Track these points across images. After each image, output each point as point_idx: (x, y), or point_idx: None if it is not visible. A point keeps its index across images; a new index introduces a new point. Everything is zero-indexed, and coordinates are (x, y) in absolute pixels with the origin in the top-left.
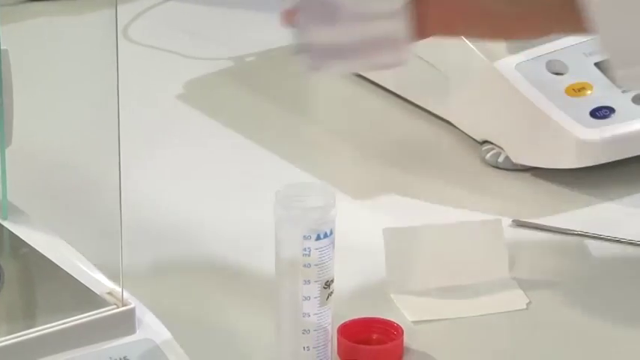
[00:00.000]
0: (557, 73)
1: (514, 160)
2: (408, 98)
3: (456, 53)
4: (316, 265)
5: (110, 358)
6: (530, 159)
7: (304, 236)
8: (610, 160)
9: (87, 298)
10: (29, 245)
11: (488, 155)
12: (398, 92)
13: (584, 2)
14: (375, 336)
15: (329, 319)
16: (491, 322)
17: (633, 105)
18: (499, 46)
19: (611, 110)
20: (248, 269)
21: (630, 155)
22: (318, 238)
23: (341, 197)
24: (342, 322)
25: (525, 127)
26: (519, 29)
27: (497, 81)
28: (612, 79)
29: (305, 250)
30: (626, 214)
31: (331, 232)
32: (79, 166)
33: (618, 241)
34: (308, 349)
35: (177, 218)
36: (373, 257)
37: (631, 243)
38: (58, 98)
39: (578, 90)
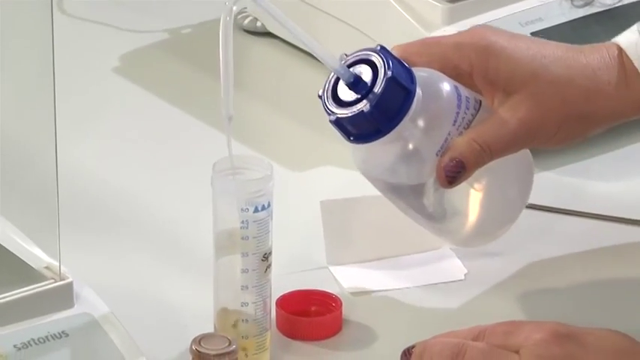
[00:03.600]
0: None
1: None
2: None
3: (393, 24)
4: (254, 237)
5: (48, 332)
6: None
7: (242, 209)
8: None
9: (24, 273)
10: None
11: None
12: None
13: None
14: (313, 308)
15: (267, 291)
16: (430, 292)
17: None
18: (435, 16)
19: None
20: (186, 242)
21: None
22: (256, 210)
23: (278, 169)
24: (281, 294)
25: None
26: None
27: None
28: None
29: (243, 222)
30: (563, 183)
31: (269, 205)
32: (14, 140)
33: (555, 211)
34: (246, 322)
35: (114, 192)
36: (311, 229)
37: (568, 213)
38: None
39: None
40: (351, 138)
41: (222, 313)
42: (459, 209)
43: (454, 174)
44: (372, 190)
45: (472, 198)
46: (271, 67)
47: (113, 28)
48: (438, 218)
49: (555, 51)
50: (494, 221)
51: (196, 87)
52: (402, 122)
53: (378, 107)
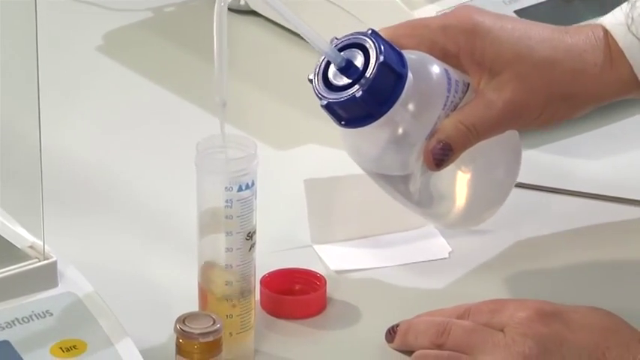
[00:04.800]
0: None
1: None
2: None
3: (376, 2)
4: (238, 216)
5: (32, 311)
6: None
7: (226, 188)
8: None
9: (8, 252)
10: None
11: None
12: None
13: None
14: (298, 287)
15: (252, 270)
16: (414, 271)
17: None
18: None
19: None
20: (170, 221)
21: None
22: (240, 189)
23: (262, 148)
24: (265, 273)
25: None
26: None
27: None
28: None
29: (227, 201)
30: (548, 162)
31: (253, 184)
32: None
33: (541, 189)
34: (231, 301)
35: (98, 171)
36: (295, 208)
37: (553, 191)
38: None
39: None
40: (342, 122)
41: (207, 292)
42: (445, 193)
43: (441, 156)
44: (355, 169)
45: (459, 181)
46: (255, 45)
47: (97, 7)
48: (424, 203)
49: (541, 32)
50: (482, 204)
51: (180, 65)
52: (394, 107)
53: (369, 92)
